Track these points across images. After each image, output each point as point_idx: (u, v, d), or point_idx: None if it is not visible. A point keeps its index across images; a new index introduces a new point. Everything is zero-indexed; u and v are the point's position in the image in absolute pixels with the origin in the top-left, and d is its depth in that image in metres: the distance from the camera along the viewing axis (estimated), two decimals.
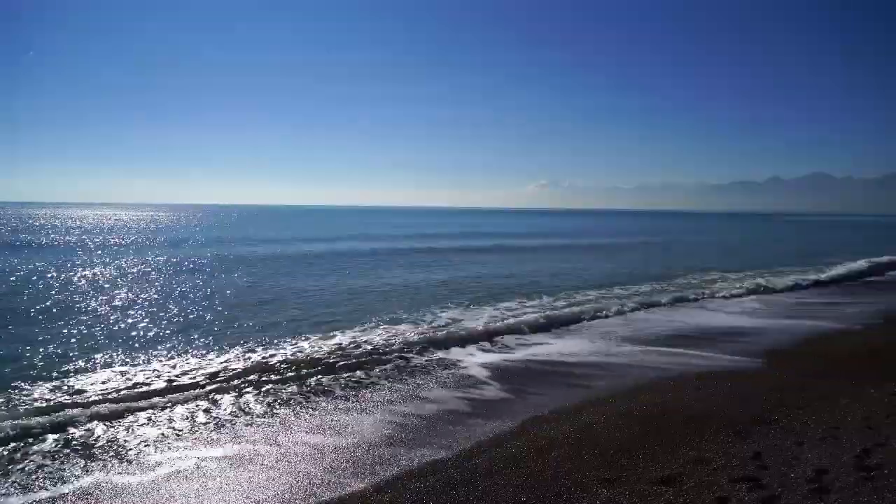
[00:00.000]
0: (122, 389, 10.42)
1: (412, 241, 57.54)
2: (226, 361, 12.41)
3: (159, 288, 23.56)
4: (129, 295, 21.59)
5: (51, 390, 10.34)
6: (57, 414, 8.98)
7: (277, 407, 9.71)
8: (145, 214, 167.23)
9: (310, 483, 6.97)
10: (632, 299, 20.85)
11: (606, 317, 17.65)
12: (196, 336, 14.98)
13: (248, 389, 10.54)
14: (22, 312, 17.59)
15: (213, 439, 8.32)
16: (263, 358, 12.66)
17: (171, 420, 9.06)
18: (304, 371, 11.59)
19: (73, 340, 14.19)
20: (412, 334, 15.04)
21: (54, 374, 11.39)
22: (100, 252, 40.94)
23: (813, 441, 7.38)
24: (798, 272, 30.60)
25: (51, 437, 8.27)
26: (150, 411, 9.38)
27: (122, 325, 16.09)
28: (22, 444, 8.01)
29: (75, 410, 9.19)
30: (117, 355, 12.92)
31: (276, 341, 14.31)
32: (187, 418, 9.14)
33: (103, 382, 10.85)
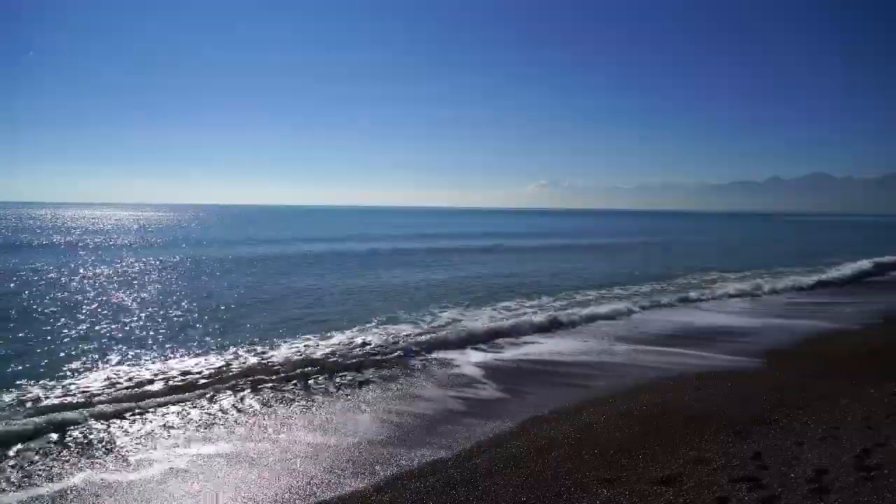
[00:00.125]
0: (121, 389, 10.41)
1: (412, 241, 57.55)
2: (224, 361, 12.40)
3: (158, 288, 23.56)
4: (129, 295, 21.58)
5: (50, 390, 10.34)
6: (56, 414, 8.96)
7: (276, 406, 9.71)
8: (145, 214, 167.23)
9: (309, 482, 6.96)
10: (631, 299, 20.84)
11: (605, 316, 17.62)
12: (195, 336, 14.97)
13: (246, 389, 10.54)
14: (21, 313, 17.59)
15: (212, 438, 8.32)
16: (262, 358, 12.66)
17: (170, 419, 9.05)
18: (302, 371, 11.58)
19: (73, 340, 14.19)
20: (411, 334, 15.04)
21: (53, 373, 11.38)
22: (99, 252, 40.94)
23: (813, 441, 7.38)
24: (798, 272, 30.60)
25: (50, 436, 8.27)
26: (150, 411, 9.38)
27: (122, 326, 16.09)
28: (21, 444, 8.01)
29: (75, 412, 9.17)
30: (117, 355, 12.91)
31: (275, 341, 14.31)
32: (186, 418, 9.14)
33: (102, 382, 10.84)
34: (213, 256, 37.88)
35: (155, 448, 7.98)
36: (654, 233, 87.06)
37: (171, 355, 13.04)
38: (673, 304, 20.17)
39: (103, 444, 8.12)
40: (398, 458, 7.66)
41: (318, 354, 12.96)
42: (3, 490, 6.80)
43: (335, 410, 9.56)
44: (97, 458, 7.67)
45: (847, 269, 31.22)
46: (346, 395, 10.39)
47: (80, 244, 48.31)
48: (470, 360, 12.71)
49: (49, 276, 26.57)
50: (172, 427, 8.76)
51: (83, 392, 10.25)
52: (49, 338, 14.32)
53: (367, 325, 16.27)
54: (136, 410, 9.36)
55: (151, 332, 15.30)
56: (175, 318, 17.21)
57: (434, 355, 13.03)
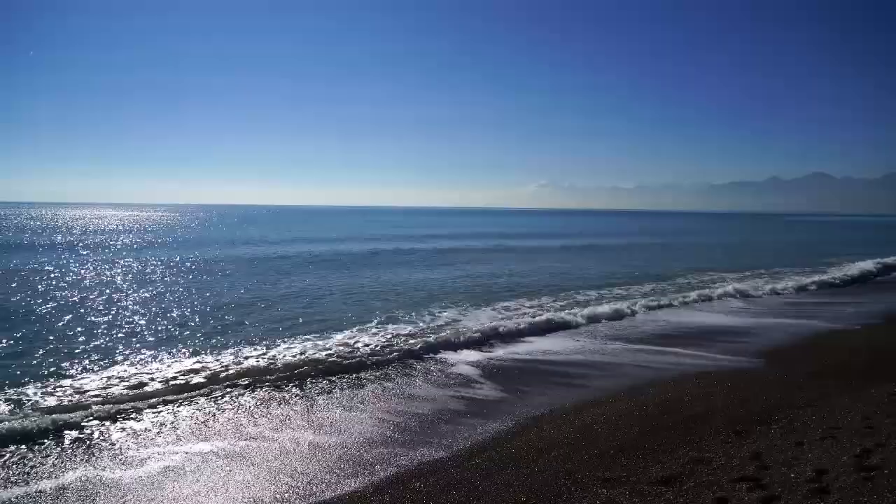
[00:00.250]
0: (119, 389, 10.40)
1: (412, 241, 57.55)
2: (224, 361, 12.39)
3: (157, 288, 23.56)
4: (128, 295, 21.59)
5: (48, 389, 10.32)
6: (55, 413, 8.97)
7: (276, 406, 9.71)
8: (145, 214, 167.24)
9: (309, 482, 6.96)
10: (631, 299, 20.83)
11: (605, 316, 17.61)
12: (194, 336, 14.97)
13: (246, 389, 10.54)
14: (20, 313, 17.58)
15: (211, 438, 8.31)
16: (261, 357, 12.65)
17: (169, 419, 9.05)
18: (302, 371, 11.57)
19: (72, 340, 14.18)
20: (411, 334, 15.04)
21: (51, 373, 11.39)
22: (99, 252, 40.95)
23: (813, 441, 7.37)
24: (798, 273, 30.61)
25: (49, 435, 8.26)
26: (148, 410, 9.37)
27: (121, 326, 16.08)
28: (20, 443, 8.00)
29: (74, 412, 9.18)
30: (116, 355, 12.91)
31: (274, 341, 14.30)
32: (185, 417, 9.13)
33: (101, 382, 10.83)
34: (213, 256, 37.88)
35: (154, 448, 7.98)
36: (654, 233, 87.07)
37: (170, 355, 13.03)
38: (673, 304, 20.17)
39: (102, 443, 8.11)
40: (398, 457, 7.66)
41: (318, 354, 12.95)
42: (2, 488, 6.80)
43: (334, 410, 9.56)
44: (96, 457, 7.66)
45: (848, 269, 31.22)
46: (346, 394, 10.38)
47: (79, 244, 48.32)
48: (469, 361, 12.70)
49: (48, 276, 26.56)
50: (171, 427, 8.75)
51: (82, 392, 10.24)
52: (47, 338, 14.31)
53: (367, 325, 16.27)
54: (135, 410, 9.36)
55: (150, 332, 15.30)
56: (174, 318, 17.21)
57: (433, 355, 13.02)
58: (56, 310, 18.05)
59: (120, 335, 14.92)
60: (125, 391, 10.30)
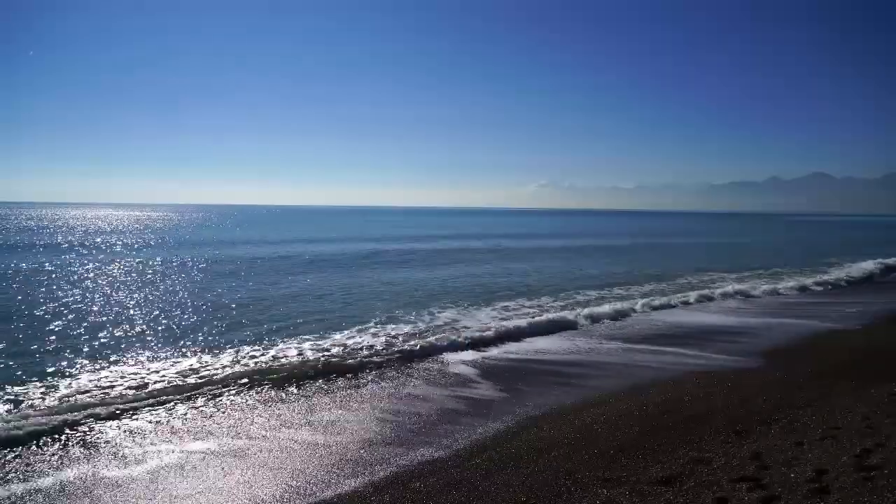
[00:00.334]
0: (119, 388, 10.40)
1: (412, 241, 57.55)
2: (223, 361, 12.40)
3: (156, 288, 23.56)
4: (128, 295, 21.59)
5: (49, 389, 10.32)
6: (55, 413, 8.96)
7: (275, 406, 9.70)
8: (145, 214, 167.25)
9: (308, 481, 6.96)
10: (631, 299, 20.83)
11: (605, 316, 17.60)
12: (193, 336, 14.96)
13: (245, 389, 10.54)
14: (19, 313, 17.57)
15: (211, 438, 8.31)
16: (261, 358, 12.65)
17: (169, 418, 9.04)
18: (301, 371, 11.57)
19: (70, 340, 14.17)
20: (410, 335, 15.05)
21: (50, 372, 11.38)
22: (99, 252, 40.94)
23: (813, 441, 7.37)
24: (798, 273, 30.63)
25: (49, 435, 8.25)
26: (149, 410, 9.36)
27: (120, 326, 16.08)
28: (20, 444, 8.00)
29: (75, 413, 9.16)
30: (115, 355, 12.89)
31: (274, 341, 14.30)
32: (185, 417, 9.13)
33: (101, 381, 10.82)
34: (213, 257, 37.88)
35: (154, 447, 7.97)
36: (654, 233, 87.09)
37: (170, 355, 13.02)
38: (672, 304, 20.16)
39: (102, 443, 8.10)
40: (398, 457, 7.65)
41: (317, 354, 12.96)
42: (3, 487, 6.79)
43: (334, 410, 9.55)
44: (96, 456, 7.65)
45: (848, 270, 31.21)
46: (345, 394, 10.38)
47: (79, 244, 48.31)
48: (469, 361, 12.70)
49: (48, 276, 26.56)
50: (171, 426, 8.75)
51: (81, 391, 10.23)
52: (47, 337, 14.31)
53: (367, 325, 16.26)
54: (135, 409, 9.35)
55: (149, 332, 15.29)
56: (174, 318, 17.20)
57: (433, 355, 13.01)
58: (55, 310, 18.04)
59: (119, 335, 14.91)
60: (125, 391, 10.29)
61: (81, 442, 8.16)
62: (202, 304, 19.58)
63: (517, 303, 20.51)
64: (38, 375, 11.22)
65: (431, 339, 14.21)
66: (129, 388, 10.50)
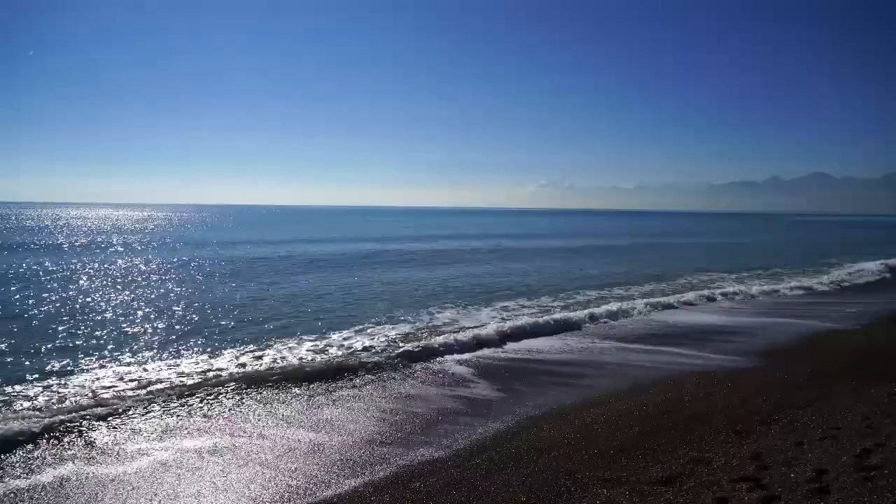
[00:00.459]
0: (118, 388, 10.39)
1: (412, 241, 57.55)
2: (222, 361, 12.39)
3: (156, 289, 23.55)
4: (128, 296, 21.58)
5: (48, 389, 10.32)
6: (54, 413, 8.95)
7: (275, 406, 9.69)
8: (145, 214, 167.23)
9: (308, 481, 6.95)
10: (631, 299, 20.84)
11: (605, 316, 17.59)
12: (193, 336, 14.95)
13: (245, 389, 10.51)
14: (18, 312, 17.57)
15: (210, 437, 8.30)
16: (260, 358, 12.65)
17: (169, 418, 9.03)
18: (301, 371, 11.55)
19: (69, 341, 14.17)
20: (410, 335, 15.05)
21: (52, 372, 11.38)
22: (99, 253, 40.94)
23: (813, 441, 7.37)
24: (798, 273, 30.63)
25: (49, 435, 8.24)
26: (149, 409, 9.35)
27: (120, 326, 16.08)
28: (20, 443, 7.99)
29: (75, 412, 9.16)
30: (114, 355, 12.89)
31: (273, 341, 14.29)
32: (184, 417, 9.12)
33: (100, 381, 10.81)
34: (213, 257, 37.88)
35: (154, 446, 7.96)
36: (654, 233, 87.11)
37: (168, 355, 13.02)
38: (672, 304, 20.15)
39: (102, 442, 8.09)
40: (397, 457, 7.65)
41: (317, 354, 12.97)
42: (3, 486, 6.79)
43: (334, 410, 9.55)
44: (95, 456, 7.64)
45: (849, 270, 31.21)
46: (345, 394, 10.37)
47: (79, 245, 48.31)
48: (468, 361, 12.69)
49: (48, 276, 26.56)
50: (171, 426, 8.74)
51: (80, 391, 10.22)
52: (44, 338, 14.29)
53: (366, 325, 16.26)
54: (135, 409, 9.34)
55: (148, 332, 15.29)
56: (172, 319, 17.20)
57: (433, 356, 12.98)
58: (54, 310, 18.03)
59: (118, 335, 14.90)
60: (124, 390, 10.27)
61: (81, 442, 8.14)
62: (202, 304, 19.57)
63: (517, 303, 20.51)
64: (37, 375, 11.21)
65: (431, 339, 14.20)
66: (128, 387, 10.48)
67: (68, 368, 11.76)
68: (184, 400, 9.88)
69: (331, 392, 10.49)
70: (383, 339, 14.44)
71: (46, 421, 8.62)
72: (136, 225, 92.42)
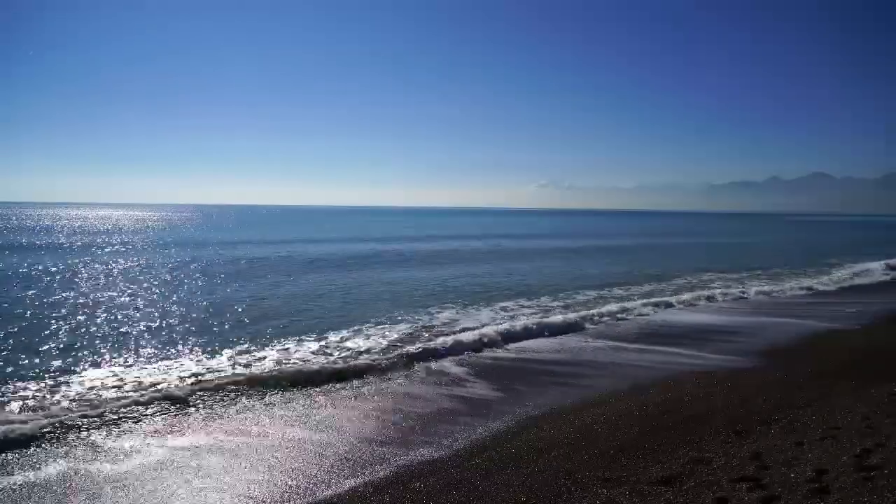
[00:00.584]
0: (117, 388, 10.41)
1: (412, 241, 57.56)
2: (221, 362, 12.40)
3: (155, 289, 23.56)
4: (126, 296, 21.58)
5: (48, 389, 10.32)
6: (54, 414, 8.95)
7: (274, 406, 9.69)
8: (146, 214, 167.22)
9: (308, 481, 6.95)
10: (630, 299, 20.84)
11: (605, 316, 17.60)
12: (192, 336, 14.95)
13: (243, 389, 10.50)
14: (16, 312, 17.57)
15: (210, 437, 8.29)
16: (260, 358, 12.66)
17: (169, 418, 9.03)
18: (300, 371, 11.54)
19: (67, 341, 14.16)
20: (410, 335, 15.05)
21: (51, 372, 11.37)
22: (97, 253, 40.94)
23: (813, 441, 7.36)
24: (798, 273, 30.63)
25: (49, 435, 8.25)
26: (147, 409, 9.34)
27: (119, 326, 16.08)
28: (20, 444, 7.99)
29: (74, 412, 9.16)
30: (114, 355, 12.89)
31: (273, 341, 14.29)
32: (184, 416, 9.11)
33: (99, 382, 10.82)
34: (213, 257, 37.89)
35: (154, 446, 7.95)
36: (654, 233, 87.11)
37: (168, 355, 13.02)
38: (672, 304, 20.16)
39: (102, 442, 8.08)
40: (397, 457, 7.65)
41: (316, 354, 12.97)
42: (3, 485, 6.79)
43: (333, 410, 9.55)
44: (95, 455, 7.63)
45: (849, 270, 31.19)
46: (345, 394, 10.37)
47: (78, 245, 48.31)
48: (468, 361, 12.69)
49: (47, 276, 26.55)
50: (171, 425, 8.73)
51: (80, 391, 10.23)
52: (44, 338, 14.29)
53: (366, 326, 16.25)
54: (133, 409, 9.32)
55: (148, 333, 15.29)
56: (172, 319, 17.20)
57: (433, 356, 12.95)
58: (54, 310, 18.03)
59: (118, 335, 14.90)
60: (123, 390, 10.28)
61: (81, 441, 8.14)
62: (201, 304, 19.58)
63: (517, 303, 20.50)
64: (37, 375, 11.21)
65: (431, 339, 14.21)
66: (128, 387, 10.49)
67: (68, 368, 11.76)
68: (183, 399, 9.87)
69: (330, 392, 10.49)
70: (383, 339, 14.45)
71: (46, 420, 8.62)
72: (137, 225, 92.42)
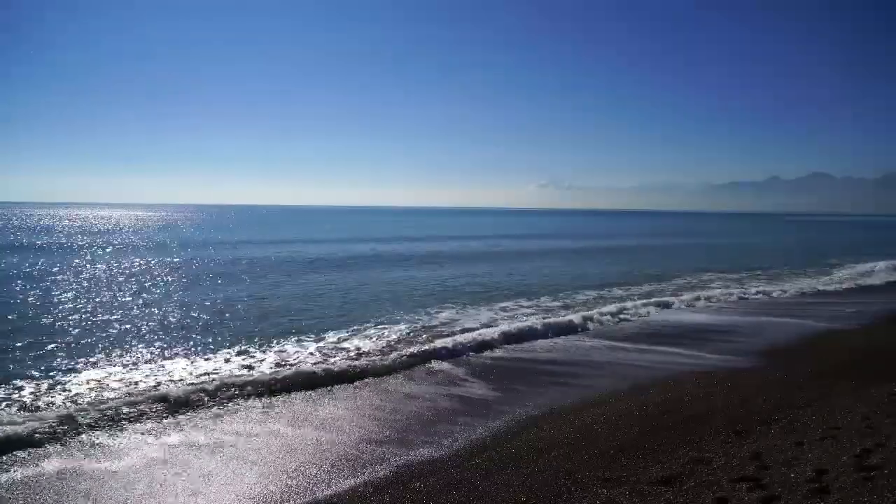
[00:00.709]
0: (116, 388, 10.42)
1: (412, 241, 57.56)
2: (220, 362, 12.41)
3: (155, 289, 23.56)
4: (126, 297, 21.58)
5: (48, 389, 10.33)
6: (54, 413, 8.95)
7: (274, 406, 9.69)
8: (146, 214, 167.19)
9: (307, 481, 6.95)
10: (630, 300, 20.84)
11: (604, 316, 17.59)
12: (191, 337, 14.95)
13: (243, 389, 10.50)
14: (16, 312, 17.57)
15: (210, 436, 8.29)
16: (259, 358, 12.66)
17: (169, 418, 9.03)
18: (300, 371, 11.54)
19: (66, 341, 14.16)
20: (409, 335, 15.06)
21: (51, 372, 11.38)
22: (98, 253, 40.94)
23: (813, 441, 7.36)
24: (798, 273, 30.63)
25: (48, 435, 8.24)
26: (146, 409, 9.34)
27: (119, 327, 16.08)
28: (20, 444, 7.99)
29: (74, 412, 9.15)
30: (113, 356, 12.89)
31: (273, 342, 14.29)
32: (184, 416, 9.11)
33: (98, 382, 10.83)
34: (212, 257, 37.88)
35: (154, 446, 7.95)
36: (654, 233, 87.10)
37: (167, 355, 13.02)
38: (671, 304, 20.15)
39: (102, 442, 8.09)
40: (397, 457, 7.65)
41: (316, 355, 12.97)
42: (3, 486, 6.79)
43: (333, 410, 9.55)
44: (95, 455, 7.64)
45: (849, 271, 31.18)
46: (344, 394, 10.37)
47: (78, 245, 48.30)
48: (468, 361, 12.69)
49: (46, 276, 26.55)
50: (171, 425, 8.73)
51: (80, 391, 10.24)
52: (43, 338, 14.29)
53: (365, 326, 16.26)
54: (132, 409, 9.32)
55: (147, 333, 15.29)
56: (172, 319, 17.20)
57: (433, 356, 12.95)
58: (54, 309, 18.03)
59: (118, 336, 14.90)
60: (123, 390, 10.29)
61: (81, 441, 8.14)
62: (201, 305, 19.57)
63: (516, 303, 20.50)
64: (36, 375, 11.21)
65: (431, 339, 14.20)
66: (127, 387, 10.49)
67: (68, 368, 11.76)
68: (183, 399, 9.86)
69: (330, 392, 10.49)
70: (383, 339, 14.45)
71: (46, 420, 8.61)
72: (137, 225, 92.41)
